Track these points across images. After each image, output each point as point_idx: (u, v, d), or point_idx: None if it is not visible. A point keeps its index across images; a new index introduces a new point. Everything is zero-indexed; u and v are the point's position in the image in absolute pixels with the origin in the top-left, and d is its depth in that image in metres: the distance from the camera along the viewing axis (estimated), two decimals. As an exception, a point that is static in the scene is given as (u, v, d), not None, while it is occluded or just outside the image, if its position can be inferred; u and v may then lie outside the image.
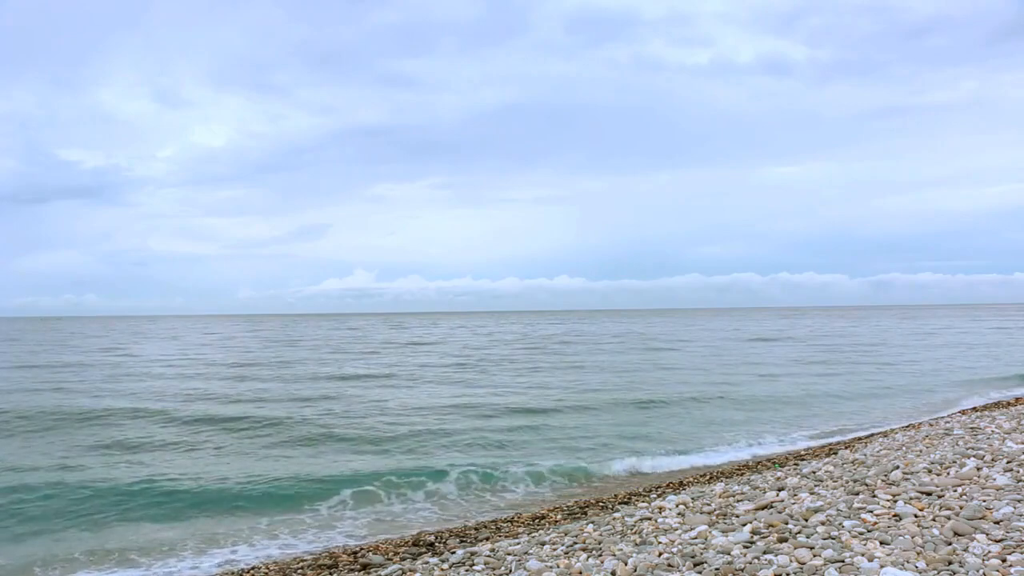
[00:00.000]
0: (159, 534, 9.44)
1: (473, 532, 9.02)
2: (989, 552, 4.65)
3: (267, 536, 9.36)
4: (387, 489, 11.17)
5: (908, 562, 4.60)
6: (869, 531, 5.35)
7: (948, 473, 7.16)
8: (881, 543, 5.00)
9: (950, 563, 4.52)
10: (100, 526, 9.70)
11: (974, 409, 17.31)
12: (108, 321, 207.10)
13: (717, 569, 4.95)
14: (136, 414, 18.38)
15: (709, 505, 7.69)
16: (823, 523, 5.72)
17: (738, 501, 7.59)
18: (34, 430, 16.59)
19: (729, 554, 5.26)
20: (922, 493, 6.32)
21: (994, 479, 6.56)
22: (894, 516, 5.67)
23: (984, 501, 5.79)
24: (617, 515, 8.18)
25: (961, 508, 5.63)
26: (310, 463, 13.13)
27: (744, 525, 6.06)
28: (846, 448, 12.24)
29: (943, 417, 15.91)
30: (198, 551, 8.81)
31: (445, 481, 11.65)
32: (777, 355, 37.45)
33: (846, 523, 5.59)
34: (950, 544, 4.87)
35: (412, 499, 10.95)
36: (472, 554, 7.22)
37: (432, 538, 8.75)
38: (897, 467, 7.83)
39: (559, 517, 9.48)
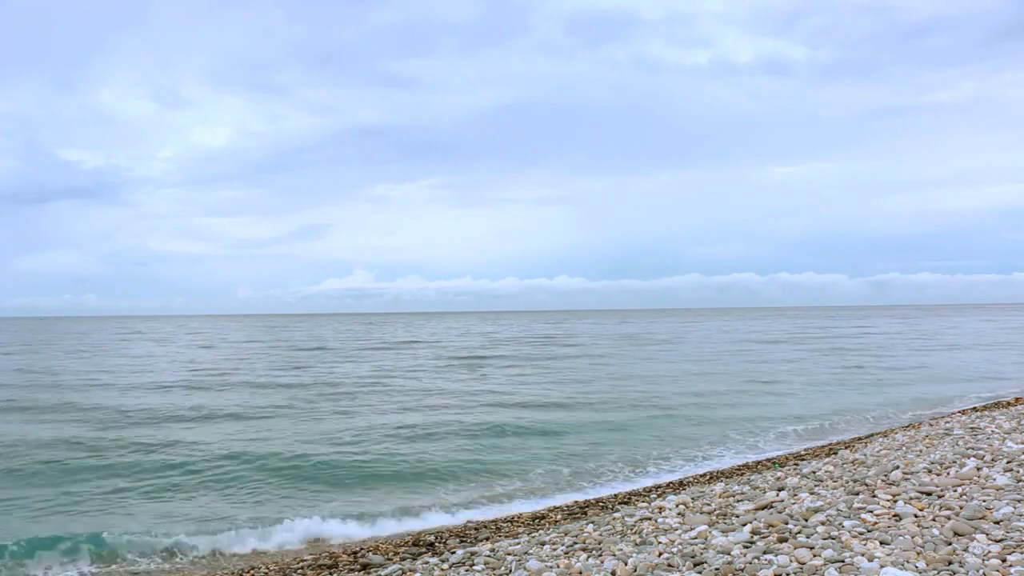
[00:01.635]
0: None
1: (473, 532, 9.02)
2: (989, 552, 4.65)
3: None
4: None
5: (908, 562, 4.60)
6: (869, 531, 5.35)
7: (948, 473, 7.15)
8: (881, 543, 5.00)
9: (950, 563, 4.52)
10: None
11: (974, 409, 17.30)
12: (101, 322, 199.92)
13: (717, 569, 4.95)
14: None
15: (709, 505, 7.69)
16: (823, 523, 5.72)
17: (738, 501, 7.59)
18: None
19: (729, 554, 5.26)
20: (922, 493, 6.32)
21: (994, 479, 6.56)
22: (894, 516, 5.67)
23: (984, 501, 5.79)
24: (617, 515, 8.18)
25: (961, 508, 5.63)
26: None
27: (744, 525, 6.06)
28: (846, 448, 12.24)
29: (943, 417, 15.91)
30: None
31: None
32: (768, 358, 36.83)
33: (846, 523, 5.59)
34: (950, 544, 4.87)
35: None
36: (472, 554, 7.22)
37: (432, 538, 8.76)
38: (897, 467, 7.83)
39: (559, 517, 9.48)
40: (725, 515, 6.88)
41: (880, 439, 12.35)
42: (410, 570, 7.13)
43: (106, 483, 12.20)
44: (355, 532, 9.59)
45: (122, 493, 11.63)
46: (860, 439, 14.06)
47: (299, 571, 7.92)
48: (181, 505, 11.02)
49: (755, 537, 5.64)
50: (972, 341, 47.14)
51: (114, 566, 8.60)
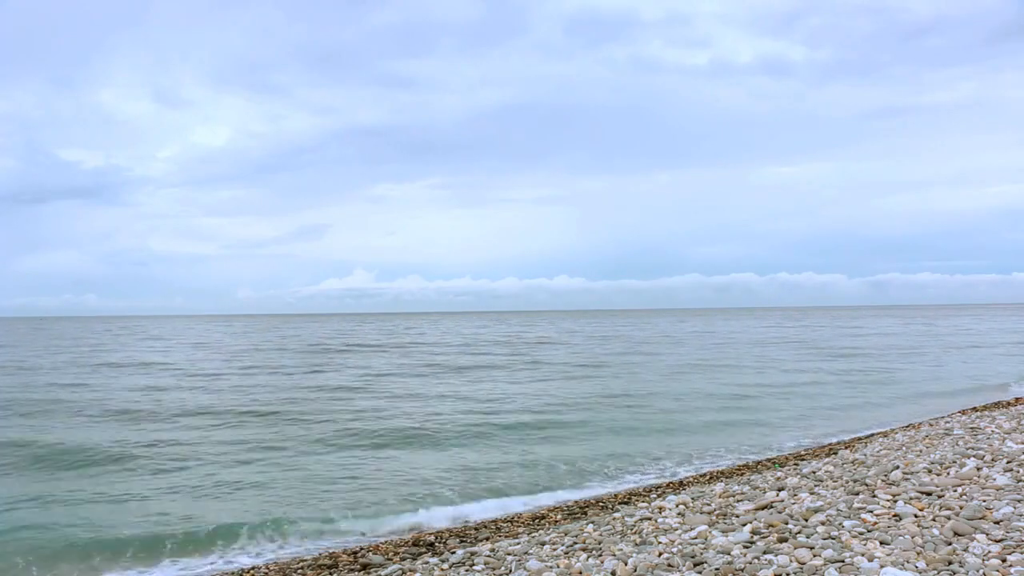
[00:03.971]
0: None
1: (473, 532, 9.02)
2: (989, 552, 4.65)
3: None
4: None
5: (908, 562, 4.60)
6: (869, 531, 5.35)
7: (948, 473, 7.16)
8: (881, 543, 5.00)
9: (950, 563, 4.53)
10: None
11: (974, 409, 17.30)
12: (90, 322, 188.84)
13: (717, 569, 4.95)
14: None
15: (709, 505, 7.69)
16: (823, 523, 5.72)
17: (738, 501, 7.59)
18: None
19: (729, 554, 5.26)
20: (922, 493, 6.32)
21: (994, 479, 6.57)
22: (894, 516, 5.67)
23: (984, 501, 5.79)
24: (617, 515, 8.19)
25: (961, 508, 5.63)
26: None
27: (744, 525, 6.06)
28: (846, 448, 12.25)
29: (943, 417, 15.91)
30: None
31: None
32: (758, 363, 36.48)
33: (846, 523, 5.59)
34: (950, 544, 4.87)
35: None
36: (472, 554, 7.23)
37: (432, 538, 8.75)
38: (897, 467, 7.83)
39: (559, 517, 9.48)
40: (725, 515, 6.89)
41: (880, 439, 12.35)
42: (410, 570, 7.13)
43: None
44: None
45: None
46: (860, 439, 14.07)
47: (299, 571, 7.92)
48: None
49: (755, 537, 5.64)
50: (975, 343, 46.89)
51: None
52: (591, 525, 7.72)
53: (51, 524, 9.88)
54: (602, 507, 9.93)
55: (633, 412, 19.03)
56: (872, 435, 14.41)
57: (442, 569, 6.86)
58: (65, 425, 17.75)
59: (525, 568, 6.12)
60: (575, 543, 6.86)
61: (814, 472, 8.86)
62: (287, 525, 9.66)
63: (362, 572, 7.66)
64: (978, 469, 7.11)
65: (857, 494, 6.69)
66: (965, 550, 4.72)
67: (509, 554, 6.93)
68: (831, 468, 8.91)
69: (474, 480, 11.97)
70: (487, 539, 8.42)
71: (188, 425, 17.60)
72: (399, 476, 12.31)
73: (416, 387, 25.45)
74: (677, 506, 7.88)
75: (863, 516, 5.72)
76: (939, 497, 6.14)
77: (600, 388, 24.36)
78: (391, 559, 7.90)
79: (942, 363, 32.18)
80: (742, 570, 4.90)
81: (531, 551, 6.89)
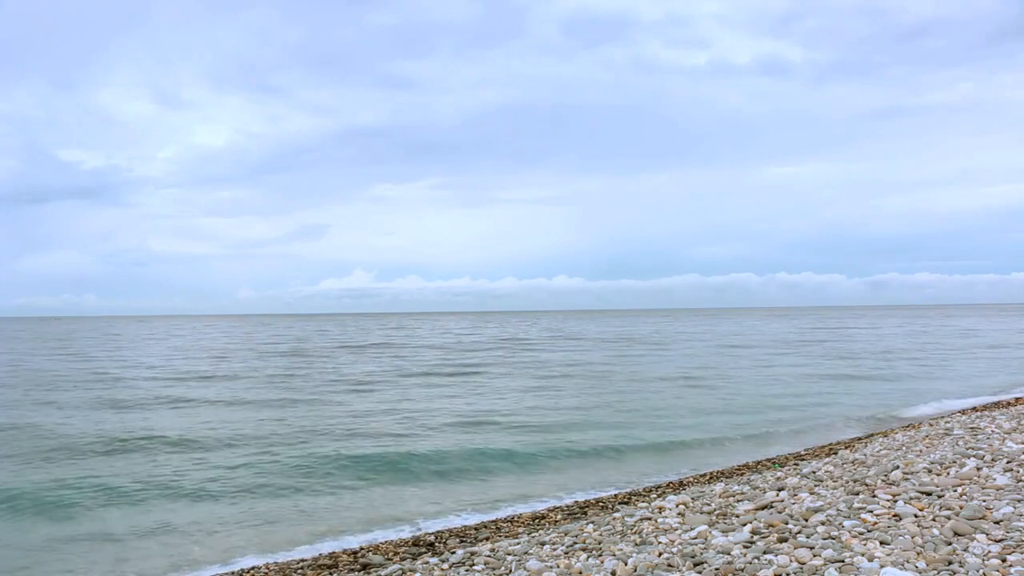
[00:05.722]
0: None
1: (473, 532, 9.02)
2: (989, 552, 4.66)
3: None
4: None
5: (908, 562, 4.60)
6: (869, 531, 5.35)
7: (948, 473, 7.16)
8: (881, 543, 5.01)
9: (950, 563, 4.53)
10: None
11: (974, 409, 17.32)
12: (85, 322, 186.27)
13: (717, 569, 4.95)
14: None
15: (709, 505, 7.69)
16: (823, 523, 5.72)
17: (738, 501, 7.59)
18: None
19: (729, 554, 5.27)
20: (922, 493, 6.32)
21: (994, 479, 6.57)
22: (894, 516, 5.68)
23: (984, 501, 5.80)
24: (617, 515, 8.19)
25: (961, 508, 5.63)
26: None
27: (744, 525, 6.06)
28: (846, 448, 12.25)
29: (943, 417, 15.92)
30: None
31: None
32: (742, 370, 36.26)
33: (846, 523, 5.60)
34: (950, 544, 4.87)
35: None
36: (472, 554, 7.23)
37: (432, 538, 8.76)
38: (897, 467, 7.83)
39: (559, 517, 9.48)
40: (725, 515, 6.89)
41: (880, 439, 12.35)
42: (410, 570, 7.13)
43: None
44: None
45: None
46: (860, 439, 14.07)
47: (299, 571, 7.93)
48: None
49: (755, 537, 5.64)
50: (976, 344, 46.80)
51: None
52: (591, 525, 7.72)
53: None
54: (602, 507, 9.94)
55: (631, 421, 18.53)
56: (872, 435, 14.42)
57: (442, 569, 6.86)
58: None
59: (525, 568, 6.12)
60: (575, 543, 6.86)
61: (814, 472, 8.86)
62: (279, 532, 9.57)
63: (362, 572, 7.66)
64: (978, 469, 7.12)
65: (857, 494, 6.69)
66: (965, 550, 4.73)
67: (509, 554, 6.93)
68: (831, 468, 8.91)
69: (461, 499, 11.22)
70: (487, 539, 8.42)
71: (151, 447, 15.38)
72: (382, 500, 11.38)
73: (405, 394, 24.35)
74: (677, 506, 7.88)
75: (863, 516, 5.72)
76: (939, 497, 6.14)
77: (596, 395, 23.72)
78: (391, 559, 7.90)
79: (943, 367, 32.11)
80: (742, 570, 4.90)
81: (531, 551, 6.89)
